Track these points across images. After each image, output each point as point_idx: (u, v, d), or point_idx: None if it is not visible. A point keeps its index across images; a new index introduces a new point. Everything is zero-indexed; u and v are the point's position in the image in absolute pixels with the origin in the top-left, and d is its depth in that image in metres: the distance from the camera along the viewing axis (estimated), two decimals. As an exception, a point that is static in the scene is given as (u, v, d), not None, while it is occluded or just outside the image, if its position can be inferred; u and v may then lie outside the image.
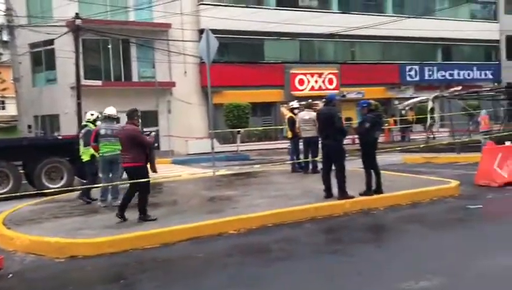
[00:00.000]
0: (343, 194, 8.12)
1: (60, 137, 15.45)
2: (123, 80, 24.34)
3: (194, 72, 25.50)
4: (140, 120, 7.55)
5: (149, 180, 7.37)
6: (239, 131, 22.27)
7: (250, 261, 5.62)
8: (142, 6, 24.45)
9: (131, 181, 7.19)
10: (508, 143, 10.69)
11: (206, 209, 7.91)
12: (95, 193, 9.26)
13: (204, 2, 25.59)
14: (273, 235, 6.64)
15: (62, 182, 11.73)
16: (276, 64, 27.38)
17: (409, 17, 29.64)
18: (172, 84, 24.57)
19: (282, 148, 20.29)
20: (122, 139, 7.36)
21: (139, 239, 6.35)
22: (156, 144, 17.25)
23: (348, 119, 22.26)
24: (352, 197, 8.11)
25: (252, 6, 26.32)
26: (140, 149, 7.16)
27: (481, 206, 8.07)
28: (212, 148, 11.73)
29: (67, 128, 21.13)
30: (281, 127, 23.51)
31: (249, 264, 5.53)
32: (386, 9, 31.44)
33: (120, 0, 24.06)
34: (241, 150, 21.90)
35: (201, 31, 20.03)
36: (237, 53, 27.02)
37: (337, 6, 29.86)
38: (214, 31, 14.26)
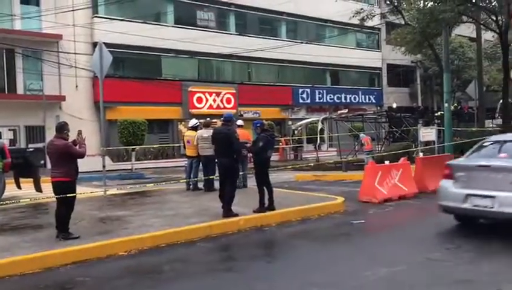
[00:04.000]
0: (227, 213, 8.23)
1: None
2: (6, 92, 22.47)
3: (86, 86, 24.42)
4: (69, 134, 7.30)
5: (75, 196, 7.19)
6: (134, 148, 21.63)
7: (140, 283, 5.45)
8: (30, 15, 22.94)
9: (58, 196, 6.97)
10: (387, 162, 11.66)
11: (95, 230, 7.53)
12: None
13: (98, 15, 24.77)
14: (166, 255, 6.52)
15: None
16: (174, 82, 27.22)
17: (301, 43, 31.36)
18: (62, 98, 23.24)
19: (179, 167, 20.09)
20: (51, 153, 7.08)
21: (16, 264, 5.86)
22: (42, 161, 16.09)
23: (245, 138, 22.74)
24: (236, 215, 8.24)
25: (149, 22, 25.99)
26: (71, 164, 7.04)
27: (363, 221, 8.67)
28: (104, 165, 11.25)
29: None
30: (178, 145, 23.34)
31: (139, 286, 5.36)
32: (280, 33, 32.93)
33: (5, 7, 22.35)
34: (136, 168, 21.26)
35: (95, 44, 19.30)
36: (133, 68, 26.43)
37: (234, 27, 30.63)
38: (109, 45, 13.90)
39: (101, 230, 7.55)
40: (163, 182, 13.91)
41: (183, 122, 26.57)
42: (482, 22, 19.52)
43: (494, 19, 17.33)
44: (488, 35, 25.83)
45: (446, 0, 15.94)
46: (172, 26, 27.43)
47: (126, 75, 25.26)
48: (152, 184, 12.70)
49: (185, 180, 12.36)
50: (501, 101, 20.55)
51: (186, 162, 12.75)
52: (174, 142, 25.37)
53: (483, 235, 7.21)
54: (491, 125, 23.09)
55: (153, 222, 8.08)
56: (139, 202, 10.71)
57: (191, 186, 12.21)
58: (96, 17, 24.61)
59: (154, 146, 24.60)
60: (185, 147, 12.61)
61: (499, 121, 21.70)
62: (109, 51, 11.74)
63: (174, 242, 7.09)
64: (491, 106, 27.30)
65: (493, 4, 17.41)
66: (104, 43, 12.05)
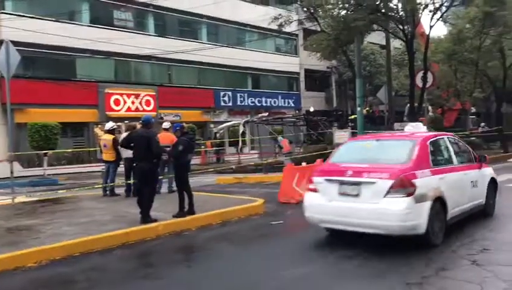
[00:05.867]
0: (146, 219, 8.07)
1: None
2: None
3: (-9, 87, 22.69)
4: None
5: None
6: (46, 153, 20.44)
7: (52, 295, 5.19)
8: None
9: None
10: (304, 164, 12.05)
11: (1, 241, 7.04)
12: None
13: (5, 11, 23.19)
14: (80, 265, 6.25)
15: None
16: (90, 83, 26.16)
17: (222, 46, 31.48)
18: (-36, 99, 21.47)
19: (96, 172, 19.30)
20: None
21: None
22: None
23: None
24: (155, 220, 8.11)
25: (62, 20, 24.77)
26: None
27: (282, 222, 8.88)
28: (12, 172, 10.56)
29: None
30: (94, 149, 22.42)
31: (50, 298, 5.10)
32: (201, 36, 32.86)
33: None
34: (49, 174, 20.11)
35: (0, 42, 18.03)
36: (45, 69, 25.04)
37: (153, 28, 30.09)
38: (18, 44, 13.15)
39: (8, 241, 7.07)
40: (78, 188, 13.32)
41: (99, 125, 25.61)
42: (390, 31, 20.74)
43: (402, 28, 18.51)
44: (396, 43, 27.50)
45: (358, 9, 16.79)
46: (88, 26, 26.38)
47: (37, 76, 23.86)
48: (65, 190, 12.08)
49: (101, 186, 11.93)
50: (408, 105, 21.98)
51: (103, 167, 12.31)
52: (89, 146, 24.34)
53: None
54: (400, 128, 24.60)
55: (66, 230, 7.72)
56: (51, 209, 10.16)
57: (107, 192, 11.82)
58: (2, 13, 23.01)
59: (68, 150, 23.43)
60: (101, 151, 12.17)
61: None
62: (18, 49, 11.06)
63: (88, 251, 6.81)
64: (400, 110, 29.13)
65: (400, 14, 18.58)
66: (11, 41, 11.34)
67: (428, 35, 19.79)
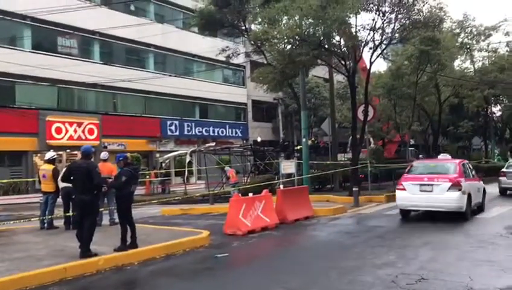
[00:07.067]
0: (85, 253, 7.78)
1: None
2: None
3: None
4: None
5: None
6: (-21, 183, 19.39)
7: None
8: None
9: None
10: (251, 195, 12.06)
11: None
12: None
13: None
14: (12, 304, 5.89)
15: None
16: (30, 110, 25.21)
17: (170, 75, 31.45)
18: None
19: (34, 203, 18.41)
20: None
21: None
22: None
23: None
24: (95, 254, 7.83)
25: (2, 46, 23.90)
26: None
27: (227, 254, 8.80)
28: None
29: None
30: (32, 179, 21.44)
31: None
32: (148, 65, 32.70)
33: None
34: (-19, 206, 19.01)
35: None
36: (-19, 95, 23.94)
37: (99, 56, 29.64)
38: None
39: None
40: (14, 220, 12.62)
41: (39, 155, 24.62)
42: (333, 66, 21.51)
43: (344, 63, 19.25)
44: (339, 77, 28.48)
45: (302, 44, 17.33)
46: (30, 52, 25.61)
47: (-28, 102, 22.76)
48: (-1, 223, 11.42)
49: (38, 218, 11.39)
50: (351, 136, 22.68)
51: (41, 198, 11.79)
52: (28, 176, 23.27)
53: (337, 260, 7.81)
54: (343, 159, 25.31)
55: (-2, 266, 7.27)
56: (-18, 244, 9.56)
57: (45, 225, 11.29)
58: None
59: (4, 181, 22.25)
60: (40, 182, 11.67)
61: (350, 154, 23.90)
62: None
63: (22, 288, 6.44)
64: (344, 141, 30.04)
65: (343, 50, 19.34)
66: None
67: (369, 71, 20.67)
